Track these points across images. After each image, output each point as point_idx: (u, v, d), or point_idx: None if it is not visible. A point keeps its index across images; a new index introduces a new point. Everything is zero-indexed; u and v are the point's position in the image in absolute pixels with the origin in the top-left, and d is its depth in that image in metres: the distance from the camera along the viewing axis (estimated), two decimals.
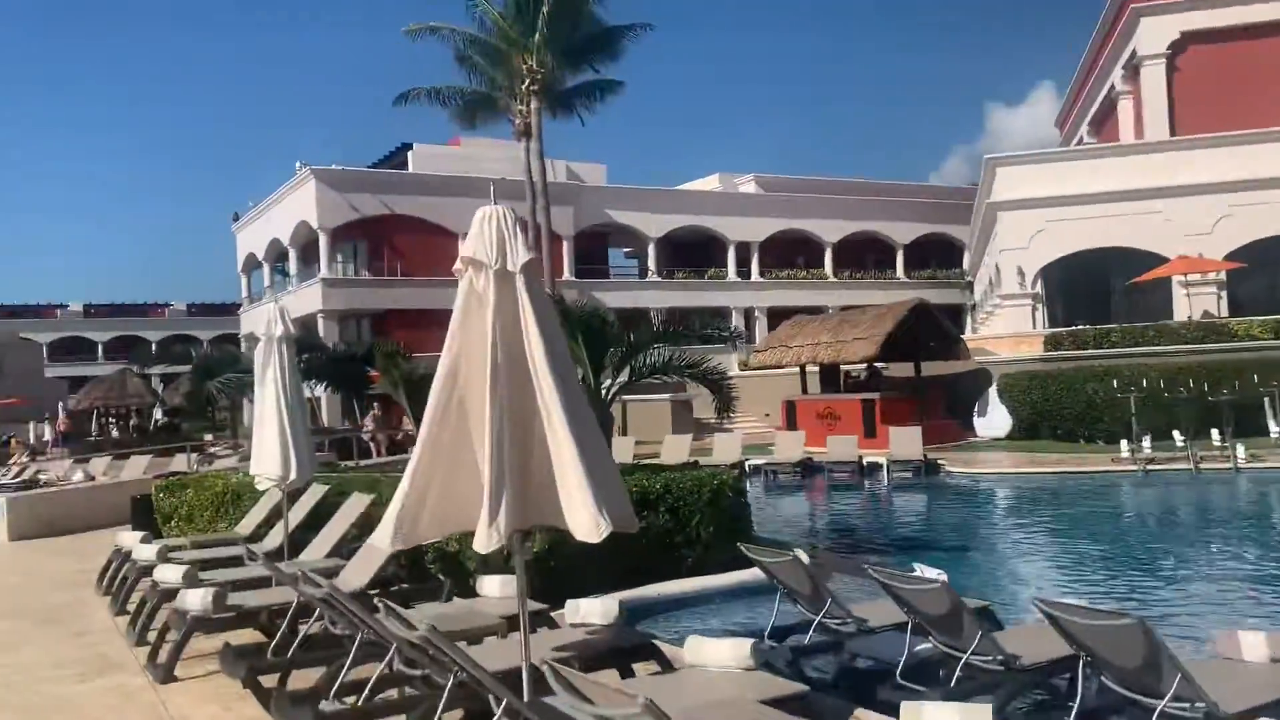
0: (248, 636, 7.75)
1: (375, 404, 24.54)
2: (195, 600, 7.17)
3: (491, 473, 4.62)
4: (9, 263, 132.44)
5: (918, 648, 5.86)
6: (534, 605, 6.90)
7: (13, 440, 38.15)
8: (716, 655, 4.99)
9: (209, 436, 30.40)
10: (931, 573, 6.35)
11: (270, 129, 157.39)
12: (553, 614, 6.87)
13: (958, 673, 5.38)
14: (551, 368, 4.84)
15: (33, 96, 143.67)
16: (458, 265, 5.03)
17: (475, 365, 4.93)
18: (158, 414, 42.31)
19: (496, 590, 7.03)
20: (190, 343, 78.05)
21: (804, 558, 6.83)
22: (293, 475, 9.27)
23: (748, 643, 4.99)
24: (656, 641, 6.19)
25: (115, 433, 39.77)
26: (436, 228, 41.39)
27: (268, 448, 9.27)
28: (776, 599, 7.23)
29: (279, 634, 6.71)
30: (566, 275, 41.98)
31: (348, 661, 5.42)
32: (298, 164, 41.02)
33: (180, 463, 21.56)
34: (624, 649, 5.85)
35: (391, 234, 41.45)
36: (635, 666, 5.93)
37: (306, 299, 40.83)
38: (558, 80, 31.85)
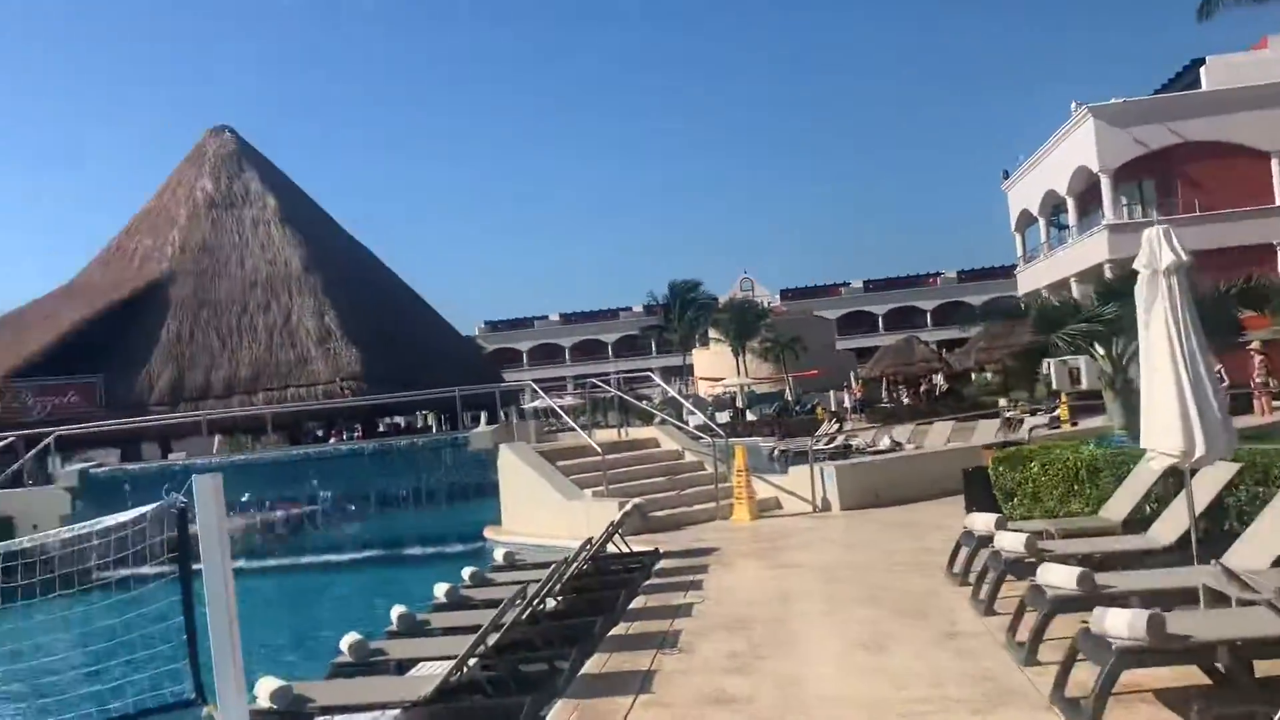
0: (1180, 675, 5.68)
1: (1255, 346, 20.74)
2: (1120, 625, 5.25)
3: None
4: (794, 248, 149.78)
5: None
6: None
7: (818, 407, 41.55)
8: None
9: (1003, 401, 29.06)
10: None
11: (1035, 80, 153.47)
12: None
13: None
14: None
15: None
16: None
17: None
18: (939, 379, 42.70)
19: None
20: (962, 309, 79.56)
21: None
22: (1199, 451, 6.92)
23: None
24: None
25: (905, 399, 40.96)
26: (1240, 149, 35.34)
27: (1160, 414, 7.05)
28: None
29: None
30: None
31: None
32: (1073, 105, 37.90)
33: (983, 431, 20.34)
34: None
35: (1183, 165, 36.22)
36: None
37: (1089, 250, 37.45)
38: None
